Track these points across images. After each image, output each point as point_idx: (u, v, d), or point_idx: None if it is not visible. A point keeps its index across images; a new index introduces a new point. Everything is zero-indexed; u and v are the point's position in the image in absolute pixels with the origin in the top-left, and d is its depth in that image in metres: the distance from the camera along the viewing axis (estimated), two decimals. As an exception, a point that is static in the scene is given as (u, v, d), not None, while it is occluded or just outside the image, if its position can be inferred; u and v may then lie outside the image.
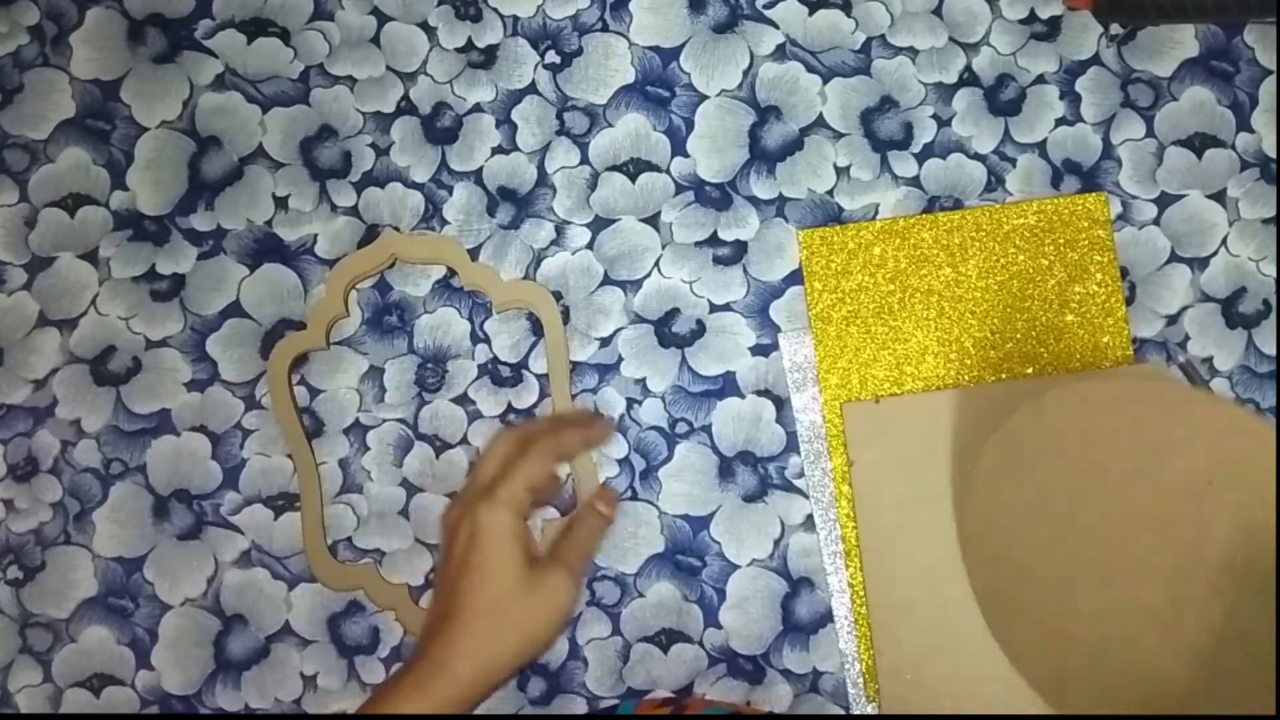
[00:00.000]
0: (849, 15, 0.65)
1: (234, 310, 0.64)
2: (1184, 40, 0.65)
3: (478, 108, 0.65)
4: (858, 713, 0.62)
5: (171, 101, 0.65)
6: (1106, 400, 0.58)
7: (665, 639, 0.63)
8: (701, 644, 0.63)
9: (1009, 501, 0.59)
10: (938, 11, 0.65)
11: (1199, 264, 0.65)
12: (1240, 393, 0.64)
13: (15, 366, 0.64)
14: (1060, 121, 0.65)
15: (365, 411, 0.64)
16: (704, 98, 0.65)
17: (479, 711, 0.63)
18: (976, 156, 0.65)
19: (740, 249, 0.64)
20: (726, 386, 0.64)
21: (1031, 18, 0.65)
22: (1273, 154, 0.65)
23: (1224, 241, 0.65)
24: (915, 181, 0.65)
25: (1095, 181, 0.65)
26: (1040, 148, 0.65)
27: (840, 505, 0.63)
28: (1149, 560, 0.56)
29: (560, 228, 0.65)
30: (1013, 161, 0.65)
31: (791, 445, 0.64)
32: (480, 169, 0.65)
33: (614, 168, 0.65)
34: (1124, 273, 0.65)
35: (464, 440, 0.64)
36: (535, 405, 0.64)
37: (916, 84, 0.65)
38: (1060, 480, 0.58)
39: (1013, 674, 0.61)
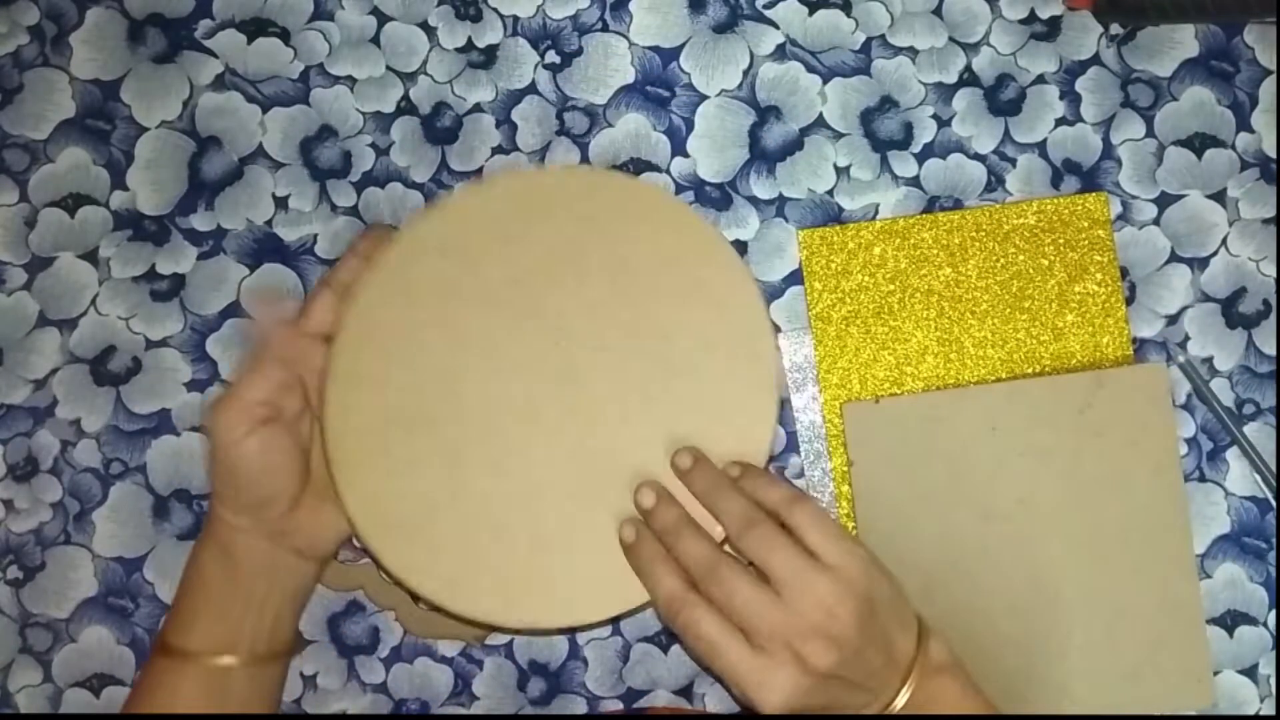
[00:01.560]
0: (849, 15, 0.65)
1: (234, 310, 0.64)
2: (1184, 40, 0.65)
3: (478, 108, 0.65)
4: (858, 713, 0.62)
5: (171, 101, 0.65)
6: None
7: (665, 639, 0.63)
8: (701, 644, 0.63)
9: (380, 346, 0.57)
10: (938, 11, 0.65)
11: (1199, 264, 0.65)
12: (1240, 393, 0.64)
13: (15, 366, 0.64)
14: (1060, 121, 0.65)
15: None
16: (704, 98, 0.65)
17: (473, 709, 0.63)
18: (976, 156, 0.65)
19: (740, 249, 0.64)
20: (726, 386, 0.64)
21: (1031, 18, 0.65)
22: (1273, 154, 0.65)
23: (1224, 241, 0.65)
24: (915, 181, 0.65)
25: (1095, 181, 0.65)
26: (1040, 148, 0.65)
27: (840, 505, 0.63)
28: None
29: (560, 228, 0.65)
30: (1013, 161, 0.65)
31: (791, 445, 0.64)
32: (480, 169, 0.65)
33: (614, 168, 0.65)
34: (1124, 273, 0.65)
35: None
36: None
37: (916, 84, 0.65)
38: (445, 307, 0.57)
39: (1013, 674, 0.61)
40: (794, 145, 0.65)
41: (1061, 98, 0.65)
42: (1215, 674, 0.63)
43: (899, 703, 0.51)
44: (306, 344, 0.57)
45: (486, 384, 0.57)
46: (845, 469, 0.63)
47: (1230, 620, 0.63)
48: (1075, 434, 0.62)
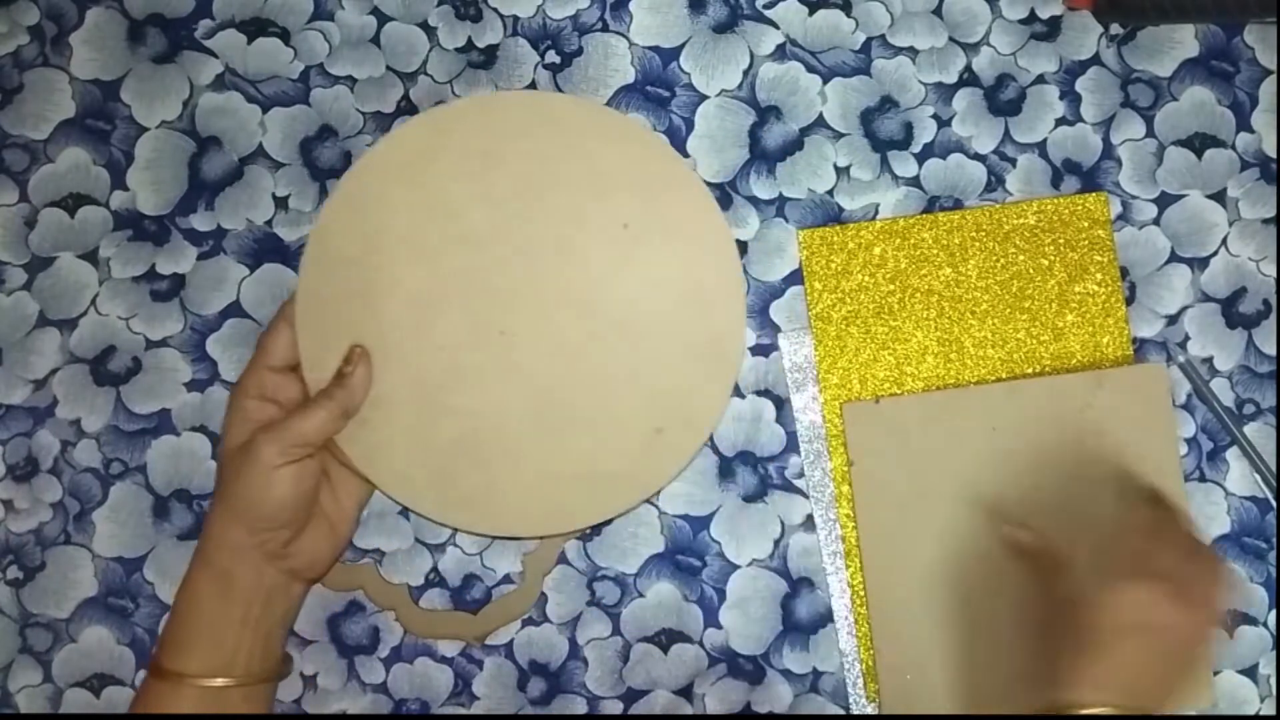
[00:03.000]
0: (849, 15, 0.65)
1: (234, 310, 0.64)
2: (1184, 40, 0.65)
3: (478, 108, 0.65)
4: (858, 713, 0.62)
5: (171, 101, 0.65)
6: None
7: (665, 639, 0.63)
8: (701, 644, 0.63)
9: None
10: (938, 11, 0.65)
11: (1199, 264, 0.65)
12: (1240, 393, 0.64)
13: (15, 366, 0.64)
14: (1060, 121, 0.65)
15: (365, 411, 0.64)
16: (704, 98, 0.65)
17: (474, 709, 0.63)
18: (976, 156, 0.65)
19: (740, 249, 0.64)
20: (726, 386, 0.64)
21: (1031, 18, 0.65)
22: (1273, 154, 0.65)
23: (1224, 241, 0.65)
24: (915, 181, 0.65)
25: (1095, 181, 0.65)
26: (1040, 148, 0.65)
27: (840, 505, 0.63)
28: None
29: (560, 228, 0.65)
30: (1013, 161, 0.65)
31: (791, 445, 0.64)
32: (480, 169, 0.65)
33: (614, 168, 0.65)
34: (1124, 273, 0.65)
35: (464, 440, 0.64)
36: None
37: (916, 84, 0.65)
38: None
39: (1013, 674, 0.61)
40: (794, 145, 0.65)
41: (1061, 98, 0.65)
42: (1215, 674, 0.63)
43: None
44: (278, 379, 0.59)
45: (456, 314, 0.60)
46: (845, 469, 0.63)
47: (1230, 620, 0.63)
48: (1075, 434, 0.62)
